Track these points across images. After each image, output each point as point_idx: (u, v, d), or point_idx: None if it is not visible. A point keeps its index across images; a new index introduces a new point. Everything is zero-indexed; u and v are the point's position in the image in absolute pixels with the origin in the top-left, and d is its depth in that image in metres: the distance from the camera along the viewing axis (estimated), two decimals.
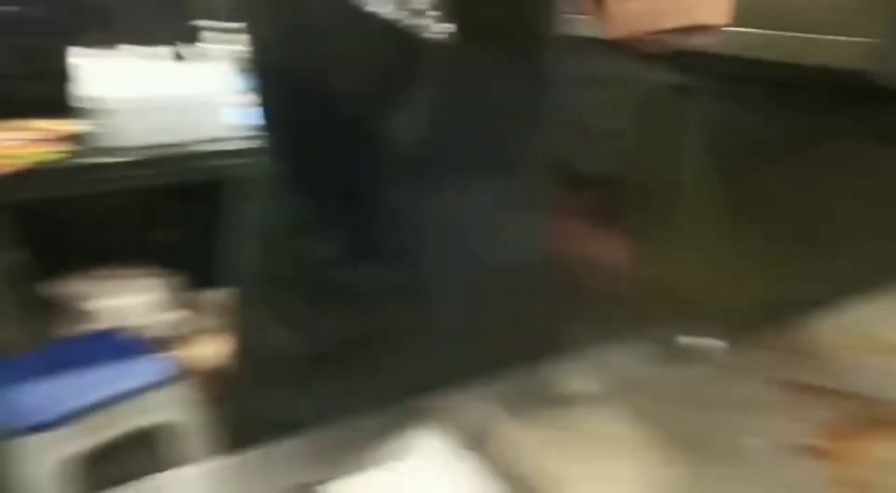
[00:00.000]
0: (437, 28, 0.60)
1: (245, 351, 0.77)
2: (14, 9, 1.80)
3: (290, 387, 0.69)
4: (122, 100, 1.57)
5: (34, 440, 1.28)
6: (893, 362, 0.65)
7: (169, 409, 1.45)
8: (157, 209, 1.87)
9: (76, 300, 1.75)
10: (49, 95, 1.65)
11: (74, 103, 1.60)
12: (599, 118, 1.20)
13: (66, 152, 1.58)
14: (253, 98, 0.70)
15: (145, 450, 1.41)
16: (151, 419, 1.42)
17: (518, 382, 0.59)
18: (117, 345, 1.55)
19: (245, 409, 0.75)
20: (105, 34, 1.77)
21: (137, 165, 1.57)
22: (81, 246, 1.80)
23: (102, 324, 1.71)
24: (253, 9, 0.66)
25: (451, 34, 0.60)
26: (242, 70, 1.65)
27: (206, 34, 1.91)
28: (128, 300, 1.79)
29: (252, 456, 0.53)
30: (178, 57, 1.81)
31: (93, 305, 1.75)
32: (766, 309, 0.73)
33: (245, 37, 0.66)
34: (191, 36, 1.90)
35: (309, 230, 0.69)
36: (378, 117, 0.63)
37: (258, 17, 0.66)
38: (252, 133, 0.73)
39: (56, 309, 1.77)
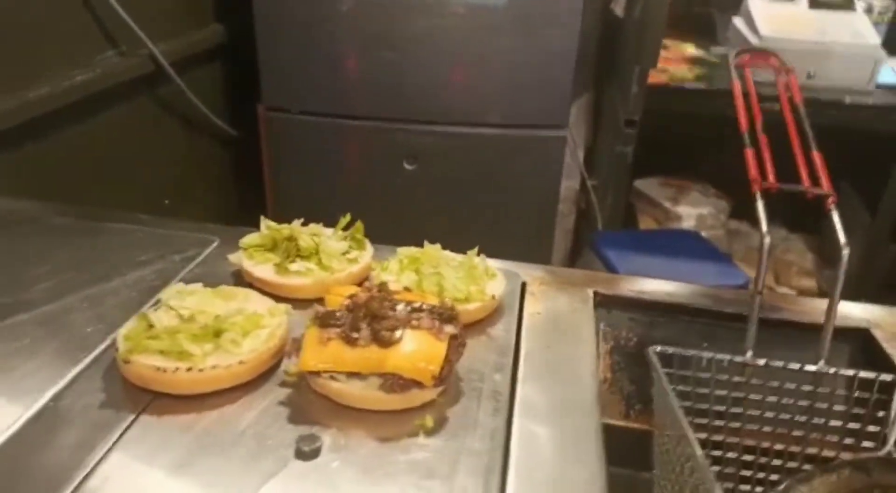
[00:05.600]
0: None
1: None
2: None
3: None
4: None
5: None
6: None
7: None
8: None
9: (661, 199, 2.06)
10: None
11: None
12: None
13: (699, 75, 1.84)
14: None
15: None
16: None
17: None
18: (694, 245, 1.80)
19: None
20: None
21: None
22: (673, 155, 2.08)
23: (680, 224, 1.99)
24: None
25: None
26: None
27: None
28: (702, 210, 2.03)
29: None
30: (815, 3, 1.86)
31: (674, 206, 2.03)
32: None
33: None
34: None
35: None
36: None
37: None
38: None
39: (642, 202, 2.11)
